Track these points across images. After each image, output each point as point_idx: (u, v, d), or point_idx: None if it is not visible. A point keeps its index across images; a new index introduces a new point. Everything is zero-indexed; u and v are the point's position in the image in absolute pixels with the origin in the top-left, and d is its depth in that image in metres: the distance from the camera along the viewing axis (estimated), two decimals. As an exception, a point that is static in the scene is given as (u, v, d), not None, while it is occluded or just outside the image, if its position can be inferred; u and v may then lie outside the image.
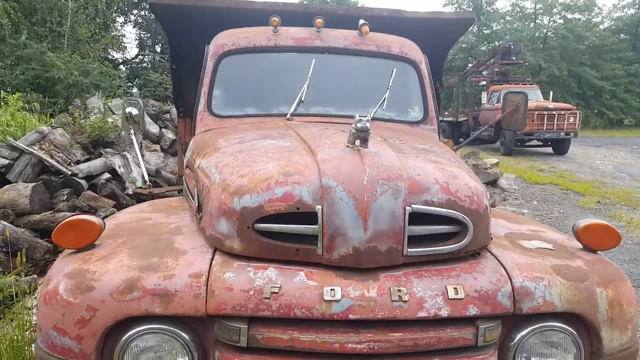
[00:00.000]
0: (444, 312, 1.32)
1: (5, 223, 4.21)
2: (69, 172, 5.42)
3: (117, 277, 1.40)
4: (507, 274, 1.42)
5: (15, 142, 5.24)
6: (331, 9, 4.33)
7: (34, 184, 4.90)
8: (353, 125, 1.41)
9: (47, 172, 5.44)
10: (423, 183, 1.42)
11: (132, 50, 22.65)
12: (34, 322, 3.47)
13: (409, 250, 1.38)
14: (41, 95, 10.86)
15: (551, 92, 21.57)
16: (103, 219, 1.79)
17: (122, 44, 18.96)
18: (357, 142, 1.44)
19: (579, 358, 1.46)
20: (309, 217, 1.37)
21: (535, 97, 18.46)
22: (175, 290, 1.35)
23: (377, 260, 1.35)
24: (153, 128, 8.33)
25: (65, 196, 5.06)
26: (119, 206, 5.72)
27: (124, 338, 1.37)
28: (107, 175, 6.00)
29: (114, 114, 8.10)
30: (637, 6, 32.29)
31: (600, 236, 1.65)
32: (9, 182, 5.10)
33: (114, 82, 14.15)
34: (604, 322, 1.47)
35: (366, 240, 1.34)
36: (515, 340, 1.44)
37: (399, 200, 1.35)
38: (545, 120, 14.98)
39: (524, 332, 1.44)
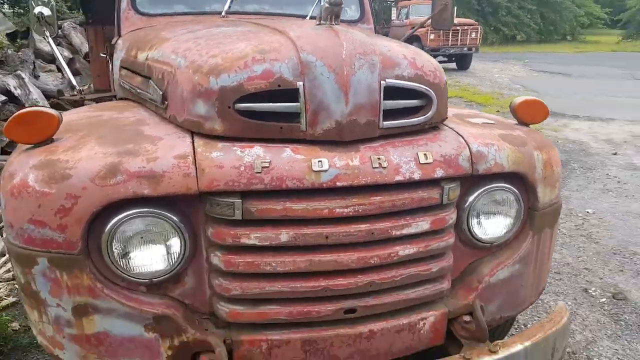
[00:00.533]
0: (417, 176, 1.47)
1: None
2: (-42, 94, 4.80)
3: (94, 163, 1.37)
4: (465, 141, 1.59)
5: None
6: None
7: None
8: (326, 0, 1.43)
9: None
10: (394, 58, 1.50)
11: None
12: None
13: (384, 123, 1.48)
14: None
15: (455, 8, 22.19)
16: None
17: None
18: (329, 18, 1.47)
19: (519, 213, 1.72)
20: (289, 94, 1.41)
21: (428, 12, 18.87)
22: (163, 171, 1.35)
23: (357, 132, 1.45)
24: (45, 45, 7.45)
25: (-41, 120, 4.51)
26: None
27: (111, 224, 1.37)
28: (2, 98, 5.40)
29: (-6, 29, 7.10)
30: None
31: (532, 110, 1.88)
32: None
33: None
34: (540, 181, 1.72)
35: (347, 114, 1.41)
36: (469, 202, 1.65)
37: (375, 74, 1.43)
38: (450, 36, 15.57)
39: (476, 194, 1.65)
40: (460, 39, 15.72)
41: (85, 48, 7.58)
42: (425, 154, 1.49)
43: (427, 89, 1.54)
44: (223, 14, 2.72)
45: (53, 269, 1.39)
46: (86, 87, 6.88)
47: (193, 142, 1.44)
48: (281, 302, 1.48)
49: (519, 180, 1.70)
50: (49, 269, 1.39)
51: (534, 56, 22.13)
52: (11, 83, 5.61)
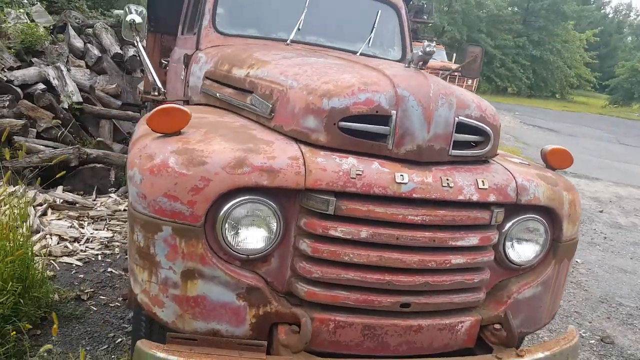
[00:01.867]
0: (475, 198, 1.80)
1: (-50, 124, 3.93)
2: (4, 78, 5.05)
3: (225, 155, 1.68)
4: (512, 175, 1.93)
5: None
6: None
7: (-29, 86, 4.54)
8: (421, 49, 1.78)
9: (-23, 76, 5.01)
10: (465, 101, 1.85)
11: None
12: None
13: (452, 151, 1.82)
14: None
15: (454, 54, 23.18)
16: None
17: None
18: (418, 63, 1.82)
19: (546, 242, 2.05)
20: (382, 119, 1.75)
21: (441, 58, 19.67)
22: (279, 168, 1.67)
23: (432, 156, 1.78)
24: (78, 42, 7.75)
25: (7, 102, 4.76)
26: (56, 119, 5.48)
27: (228, 205, 1.67)
28: (42, 86, 5.69)
29: (33, 21, 7.38)
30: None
31: (560, 157, 2.23)
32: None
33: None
34: (565, 217, 2.06)
35: (427, 140, 1.75)
36: (507, 227, 1.98)
37: (452, 111, 1.78)
38: (447, 80, 16.17)
39: (513, 221, 1.98)
40: (458, 85, 16.37)
41: (114, 49, 7.89)
42: (482, 181, 1.82)
43: (488, 128, 1.89)
44: (288, 42, 3.09)
45: (174, 237, 1.67)
46: (114, 85, 7.16)
47: (300, 148, 1.76)
48: (350, 289, 1.77)
49: (549, 214, 2.04)
50: (171, 236, 1.67)
51: (523, 109, 23.09)
52: (51, 73, 5.89)
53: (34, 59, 6.22)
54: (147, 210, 1.69)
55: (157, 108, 1.81)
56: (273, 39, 3.16)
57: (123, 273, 3.51)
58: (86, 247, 3.84)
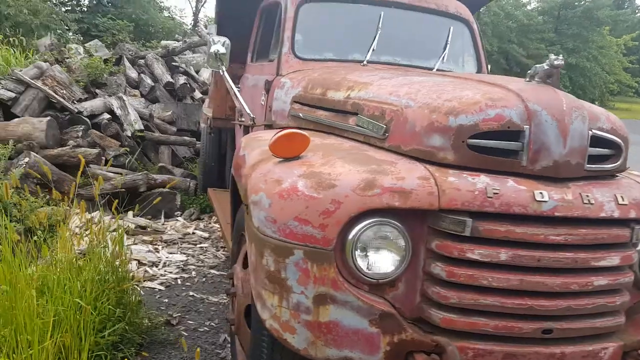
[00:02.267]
0: (616, 214, 1.70)
1: (35, 155, 4.08)
2: (76, 110, 5.24)
3: (353, 177, 1.65)
4: None
5: (22, 75, 4.98)
6: None
7: (48, 118, 4.74)
8: (548, 62, 1.72)
9: (51, 108, 5.22)
10: (596, 114, 1.78)
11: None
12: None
13: (587, 165, 1.74)
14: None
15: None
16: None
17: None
18: (545, 77, 1.76)
19: None
20: (513, 134, 1.69)
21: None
22: (411, 189, 1.62)
23: (569, 171, 1.70)
24: (132, 73, 8.01)
25: (81, 132, 4.93)
26: (121, 147, 5.63)
27: (358, 227, 1.63)
28: (107, 116, 5.87)
29: (91, 55, 7.68)
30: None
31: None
32: (16, 116, 4.85)
33: (62, 23, 13.15)
34: None
35: (564, 155, 1.68)
36: None
37: (585, 124, 1.70)
38: None
39: None
40: None
41: (165, 78, 8.11)
42: (622, 196, 1.73)
43: (620, 140, 1.80)
44: (365, 62, 3.08)
45: (306, 261, 1.64)
46: (170, 113, 7.34)
47: (427, 168, 1.71)
48: (489, 315, 1.68)
49: None
50: (302, 260, 1.64)
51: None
52: (114, 103, 6.08)
53: (97, 91, 6.45)
54: (277, 234, 1.67)
55: (279, 134, 1.81)
56: (349, 60, 3.16)
57: (205, 297, 3.52)
58: (165, 271, 3.88)
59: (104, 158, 5.27)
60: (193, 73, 8.95)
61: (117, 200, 3.91)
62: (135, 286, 3.53)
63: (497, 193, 1.63)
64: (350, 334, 1.68)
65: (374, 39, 3.14)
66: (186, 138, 6.68)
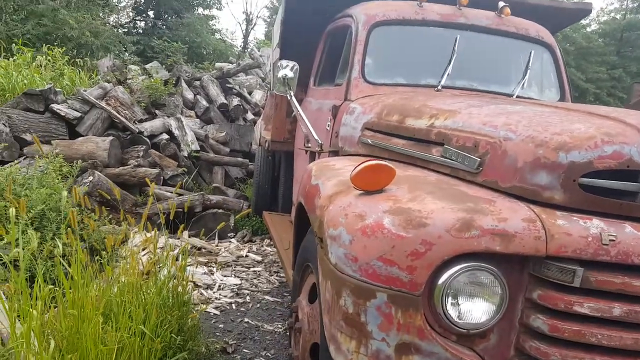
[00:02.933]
0: None
1: (99, 174, 4.16)
2: (137, 130, 5.36)
3: (447, 215, 1.51)
4: None
5: (87, 95, 5.14)
6: None
7: (111, 137, 4.85)
8: None
9: (113, 128, 5.36)
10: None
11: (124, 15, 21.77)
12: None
13: None
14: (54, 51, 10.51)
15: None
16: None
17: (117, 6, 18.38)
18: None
19: None
20: (630, 174, 1.50)
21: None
22: (515, 232, 1.46)
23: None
24: (189, 94, 8.21)
25: (142, 152, 5.02)
26: (179, 167, 5.70)
27: (450, 272, 1.48)
28: (165, 136, 5.98)
29: (150, 76, 7.93)
30: (623, 12, 33.32)
31: None
32: (79, 135, 5.01)
33: (121, 45, 13.76)
34: None
35: None
36: None
37: None
38: None
39: None
40: None
41: (219, 99, 8.25)
42: None
43: None
44: (439, 87, 2.94)
45: (389, 305, 1.50)
46: (224, 134, 7.42)
47: (532, 209, 1.55)
48: (595, 376, 1.49)
49: None
50: (385, 305, 1.51)
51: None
52: (173, 124, 6.20)
53: (157, 111, 6.61)
54: (358, 274, 1.55)
55: (363, 165, 1.70)
56: (422, 85, 3.03)
57: (260, 325, 3.41)
58: (219, 294, 3.82)
59: (161, 177, 5.34)
60: (246, 95, 9.09)
61: (180, 222, 3.91)
62: (195, 311, 3.50)
63: (613, 240, 1.44)
64: (436, 387, 1.52)
65: (449, 63, 3.00)
66: (239, 159, 6.72)
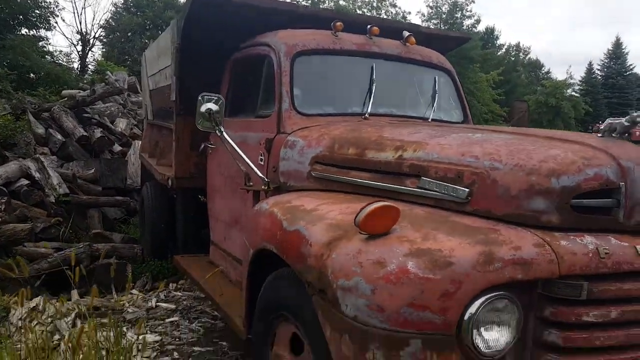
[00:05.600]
0: None
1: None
2: (-8, 178, 4.48)
3: (469, 252, 1.54)
4: None
5: None
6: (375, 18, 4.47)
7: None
8: (629, 118, 1.78)
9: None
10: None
11: None
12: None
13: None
14: None
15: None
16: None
17: None
18: (622, 133, 1.81)
19: None
20: (607, 192, 1.71)
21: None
22: (531, 258, 1.56)
23: (661, 224, 1.75)
24: (39, 128, 7.19)
25: (3, 205, 4.19)
26: (49, 216, 4.95)
27: (477, 304, 1.51)
28: (25, 182, 5.14)
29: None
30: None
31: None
32: None
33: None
34: None
35: None
36: None
37: None
38: None
39: None
40: None
41: (78, 132, 7.35)
42: None
43: None
44: (366, 115, 3.02)
45: (425, 350, 1.48)
46: (92, 171, 6.60)
47: (535, 233, 1.65)
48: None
49: None
50: (421, 350, 1.48)
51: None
52: (32, 166, 5.36)
53: (7, 153, 5.62)
54: (387, 324, 1.50)
55: (369, 208, 1.64)
56: (349, 114, 3.07)
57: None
58: (141, 357, 3.35)
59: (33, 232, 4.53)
60: (109, 124, 8.26)
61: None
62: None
63: (608, 253, 1.62)
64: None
65: (369, 92, 3.09)
66: (119, 198, 6.06)
